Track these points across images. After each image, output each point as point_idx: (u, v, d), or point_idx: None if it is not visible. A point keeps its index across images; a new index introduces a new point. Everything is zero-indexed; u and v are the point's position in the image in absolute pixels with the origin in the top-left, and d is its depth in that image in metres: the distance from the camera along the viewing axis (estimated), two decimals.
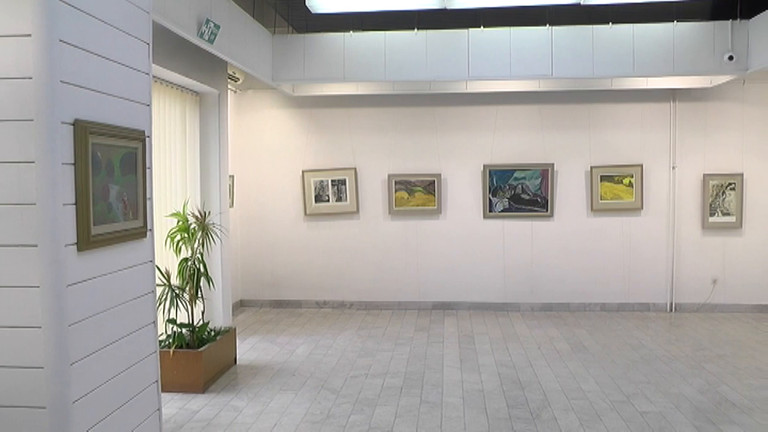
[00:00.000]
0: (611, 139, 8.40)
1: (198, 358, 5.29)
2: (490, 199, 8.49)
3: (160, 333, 5.25)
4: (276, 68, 7.57)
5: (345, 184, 8.63)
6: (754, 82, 8.14)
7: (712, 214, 8.28)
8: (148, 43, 3.19)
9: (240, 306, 8.72)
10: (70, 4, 2.53)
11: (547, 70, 7.26)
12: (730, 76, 7.47)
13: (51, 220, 2.45)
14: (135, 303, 3.07)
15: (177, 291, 5.27)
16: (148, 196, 3.17)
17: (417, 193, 8.56)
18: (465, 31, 7.33)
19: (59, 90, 2.46)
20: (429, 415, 4.80)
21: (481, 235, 8.58)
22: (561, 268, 8.51)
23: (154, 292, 3.29)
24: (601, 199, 8.38)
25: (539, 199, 8.44)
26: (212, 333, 5.78)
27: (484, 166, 8.47)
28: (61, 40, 2.47)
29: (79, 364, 2.58)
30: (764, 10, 6.81)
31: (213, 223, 5.85)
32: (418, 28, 7.36)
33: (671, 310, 8.40)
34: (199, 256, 5.55)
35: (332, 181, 8.63)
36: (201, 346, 5.43)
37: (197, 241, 5.56)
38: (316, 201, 8.65)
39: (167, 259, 5.66)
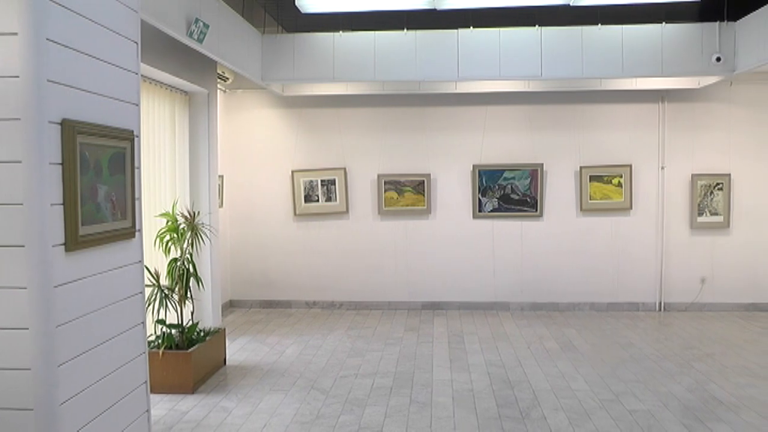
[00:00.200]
0: (600, 140, 8.44)
1: (187, 359, 5.27)
2: (479, 199, 8.50)
3: (149, 334, 5.22)
4: (265, 68, 7.56)
5: (334, 184, 8.62)
6: (741, 83, 8.20)
7: (700, 214, 8.33)
8: (136, 42, 3.17)
9: (229, 306, 8.69)
10: (57, 3, 2.52)
11: (536, 70, 7.29)
12: (718, 77, 7.53)
13: (38, 221, 2.43)
14: (124, 304, 3.05)
15: (166, 291, 5.24)
16: (136, 196, 3.15)
17: (406, 193, 8.56)
18: (454, 31, 7.34)
19: (46, 89, 2.44)
20: (419, 414, 4.80)
21: (470, 235, 8.59)
22: (550, 268, 8.54)
23: (143, 292, 3.28)
24: (590, 199, 8.41)
25: (529, 199, 8.47)
26: (202, 333, 5.76)
27: (473, 166, 8.49)
28: (48, 39, 2.45)
29: (66, 366, 2.56)
30: (751, 12, 6.86)
31: (202, 223, 5.83)
32: (407, 29, 7.36)
33: (660, 309, 8.45)
34: (189, 256, 5.53)
35: (322, 181, 8.62)
36: (190, 347, 5.40)
37: (186, 241, 5.54)
38: (305, 201, 8.64)
39: (156, 259, 5.63)
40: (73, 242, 2.60)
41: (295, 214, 8.68)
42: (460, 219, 8.60)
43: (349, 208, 8.68)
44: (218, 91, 7.59)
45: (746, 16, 6.96)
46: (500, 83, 8.00)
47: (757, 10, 6.76)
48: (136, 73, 3.17)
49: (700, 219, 8.34)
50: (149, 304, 5.02)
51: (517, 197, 8.47)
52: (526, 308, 8.55)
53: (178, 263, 5.47)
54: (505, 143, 8.50)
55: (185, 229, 5.54)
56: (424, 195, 8.54)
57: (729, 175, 8.28)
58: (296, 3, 6.43)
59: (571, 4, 6.45)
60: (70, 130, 2.56)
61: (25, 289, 2.44)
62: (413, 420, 4.69)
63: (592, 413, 4.80)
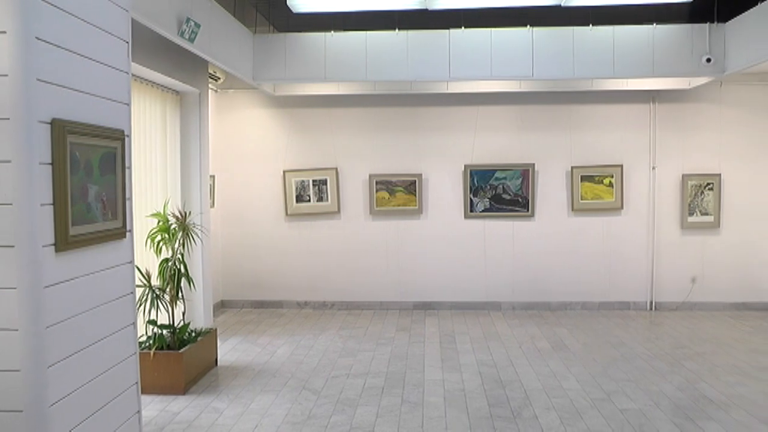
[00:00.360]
0: (592, 140, 8.47)
1: (179, 360, 5.25)
2: (471, 199, 8.51)
3: (140, 334, 5.21)
4: (257, 68, 7.54)
5: (326, 184, 8.61)
6: (730, 84, 8.25)
7: (690, 214, 8.37)
8: (127, 42, 3.16)
9: (221, 307, 8.67)
10: (46, 2, 2.50)
11: (527, 71, 7.30)
12: (708, 78, 7.57)
13: (28, 221, 2.42)
14: (114, 304, 3.04)
15: (157, 292, 5.22)
16: (127, 196, 3.14)
17: (398, 193, 8.56)
18: (446, 31, 7.35)
19: (36, 88, 2.43)
20: (410, 414, 4.80)
21: (462, 235, 8.60)
22: (542, 268, 8.56)
23: (133, 293, 3.26)
24: (581, 199, 8.44)
25: (520, 199, 8.48)
26: (193, 334, 5.74)
27: (465, 166, 8.50)
28: (37, 38, 2.44)
29: (56, 367, 2.55)
30: (740, 14, 6.91)
31: (194, 224, 5.81)
32: (399, 29, 7.36)
33: (651, 308, 8.49)
34: (180, 256, 5.51)
35: (313, 181, 8.61)
36: (182, 348, 5.39)
37: (178, 241, 5.52)
38: (297, 201, 8.63)
39: (148, 259, 5.61)
40: (63, 242, 2.59)
41: (286, 214, 8.67)
42: (452, 219, 8.61)
43: (341, 208, 8.67)
44: (209, 90, 7.57)
45: (735, 18, 7.01)
46: (492, 83, 8.02)
47: (746, 12, 6.81)
48: (127, 73, 3.16)
49: (690, 219, 8.38)
50: (140, 305, 5.00)
51: (508, 197, 8.49)
52: (517, 308, 8.57)
53: (170, 263, 5.45)
54: (496, 143, 8.51)
55: (176, 229, 5.52)
56: (415, 195, 8.55)
57: (719, 175, 8.32)
58: (288, 3, 6.41)
59: (562, 4, 6.47)
60: (60, 129, 2.55)
61: (14, 289, 2.42)
62: (405, 420, 4.69)
63: (584, 412, 4.81)
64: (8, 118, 2.39)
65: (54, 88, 2.55)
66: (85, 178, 2.75)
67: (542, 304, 8.56)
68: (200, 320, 6.70)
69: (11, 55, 2.37)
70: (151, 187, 6.16)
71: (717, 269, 8.43)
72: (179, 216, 5.59)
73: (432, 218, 8.63)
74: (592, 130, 8.47)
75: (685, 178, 8.34)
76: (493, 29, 7.31)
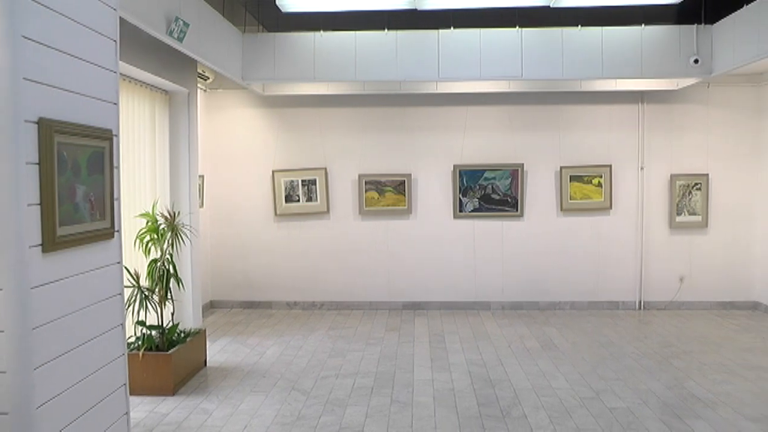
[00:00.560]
0: (580, 140, 8.50)
1: (168, 361, 5.23)
2: (460, 199, 8.53)
3: (129, 335, 5.18)
4: (246, 67, 7.52)
5: (315, 184, 8.60)
6: (717, 85, 8.31)
7: (678, 214, 8.43)
8: (115, 41, 3.14)
9: (210, 307, 8.63)
10: (33, 0, 2.48)
11: (516, 71, 7.32)
12: (696, 79, 7.63)
13: (14, 221, 2.40)
14: (102, 305, 3.02)
15: (146, 292, 5.19)
16: (115, 196, 3.12)
17: (387, 193, 8.56)
18: (435, 31, 7.36)
19: (22, 87, 2.41)
20: (400, 414, 4.80)
21: (451, 235, 8.61)
22: (531, 268, 8.58)
23: (122, 293, 3.25)
24: (570, 199, 8.47)
25: (509, 199, 8.50)
26: (182, 335, 5.72)
27: (454, 166, 8.51)
28: (23, 36, 2.42)
29: (43, 369, 2.53)
30: (727, 15, 6.96)
31: (183, 224, 5.78)
32: (388, 29, 7.36)
33: (640, 307, 8.53)
34: (169, 256, 5.49)
35: (302, 181, 8.60)
36: (171, 348, 5.36)
37: (167, 241, 5.49)
38: (286, 201, 8.61)
39: (136, 260, 5.58)
40: (51, 243, 2.57)
41: (275, 214, 8.65)
42: (441, 219, 8.62)
43: (330, 208, 8.66)
44: (199, 90, 7.54)
45: (722, 20, 7.07)
46: (481, 84, 8.03)
47: (732, 14, 6.87)
48: (115, 72, 3.14)
49: (678, 219, 8.43)
50: (129, 306, 4.98)
51: (497, 197, 8.51)
52: (506, 308, 8.59)
53: (158, 264, 5.42)
54: (485, 143, 8.53)
55: (165, 229, 5.50)
56: (404, 195, 8.55)
57: (707, 175, 8.38)
58: (277, 2, 6.40)
59: (551, 5, 6.49)
60: (47, 129, 2.53)
61: (0, 290, 2.40)
62: (394, 420, 4.69)
63: (573, 411, 4.83)
64: None
65: (41, 88, 2.52)
66: (73, 178, 2.73)
67: (531, 303, 8.59)
68: (189, 321, 6.68)
69: None
70: (140, 187, 6.13)
71: (705, 269, 8.49)
72: (168, 216, 5.56)
73: (421, 218, 8.64)
74: (581, 130, 8.51)
75: (674, 178, 8.39)
76: (482, 29, 7.32)
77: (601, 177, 8.44)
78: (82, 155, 2.80)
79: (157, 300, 5.38)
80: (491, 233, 8.59)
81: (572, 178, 8.44)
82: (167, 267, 5.45)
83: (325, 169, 8.59)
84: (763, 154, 8.26)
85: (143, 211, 5.56)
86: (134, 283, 5.10)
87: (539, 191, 8.55)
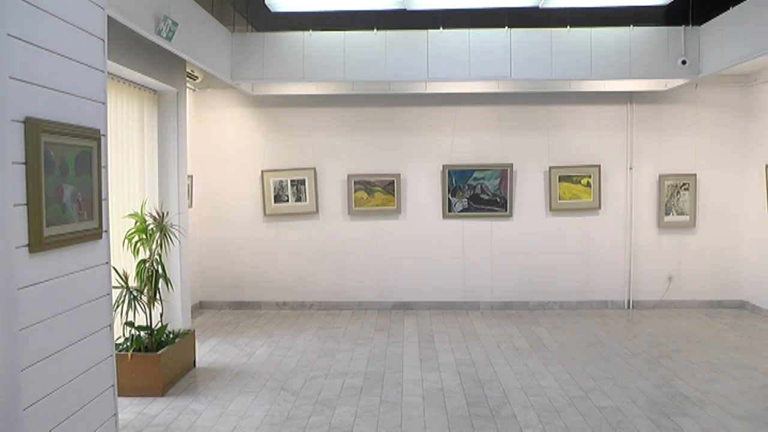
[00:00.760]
0: (569, 140, 8.53)
1: (156, 362, 5.20)
2: (449, 199, 8.54)
3: (117, 336, 5.15)
4: (235, 67, 7.50)
5: (304, 184, 8.58)
6: (705, 86, 8.37)
7: (667, 214, 8.47)
8: (103, 40, 3.12)
9: (199, 308, 8.60)
10: None
11: (505, 71, 7.34)
12: (684, 80, 7.67)
13: (0, 222, 2.37)
14: (90, 306, 3.00)
15: (135, 293, 5.17)
16: (103, 196, 3.10)
17: (376, 193, 8.56)
18: (424, 32, 7.36)
19: (8, 86, 2.39)
20: (389, 414, 4.80)
21: (440, 235, 8.62)
22: (520, 267, 8.61)
23: (110, 294, 3.23)
24: (559, 199, 8.50)
25: (498, 199, 8.52)
26: (171, 335, 5.69)
27: (443, 166, 8.52)
28: (9, 35, 2.39)
29: (30, 370, 2.51)
30: (715, 17, 7.01)
31: (171, 224, 5.76)
32: (377, 29, 7.36)
33: (629, 307, 8.58)
34: (158, 257, 5.46)
35: (291, 181, 8.58)
36: (159, 349, 5.34)
37: (155, 242, 5.46)
38: (275, 201, 8.59)
39: (125, 260, 5.55)
40: (38, 243, 2.55)
41: (264, 214, 8.63)
42: (430, 219, 8.62)
43: (319, 208, 8.65)
44: (187, 89, 7.51)
45: (710, 21, 7.12)
46: (470, 84, 8.03)
47: (719, 15, 6.92)
48: (103, 71, 3.12)
49: (667, 218, 8.48)
50: (117, 306, 4.95)
51: (486, 197, 8.52)
52: (496, 307, 8.61)
53: (147, 264, 5.40)
54: (474, 143, 8.54)
55: (154, 229, 5.47)
56: (394, 195, 8.55)
57: (695, 175, 8.43)
58: (266, 2, 6.39)
59: (540, 6, 6.52)
60: (33, 128, 2.51)
61: None
62: (383, 420, 4.69)
63: (562, 410, 4.84)
64: None
65: (27, 87, 2.50)
66: (60, 177, 2.71)
67: (521, 303, 8.61)
68: (178, 322, 6.65)
69: None
70: (129, 187, 6.09)
71: (693, 268, 8.54)
72: (157, 216, 5.54)
73: (410, 218, 8.64)
74: (570, 130, 8.54)
75: (662, 178, 8.44)
76: (471, 30, 7.34)
77: (590, 177, 8.48)
78: (69, 155, 2.78)
79: (146, 301, 5.36)
80: (480, 233, 8.60)
81: (561, 178, 8.47)
82: (156, 267, 5.42)
83: (314, 169, 8.58)
84: (750, 154, 8.33)
85: (132, 212, 5.53)
86: (123, 283, 5.07)
87: (528, 191, 8.58)
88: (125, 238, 5.41)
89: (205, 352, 6.51)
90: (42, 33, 2.61)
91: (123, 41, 5.28)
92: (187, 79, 7.35)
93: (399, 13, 7.00)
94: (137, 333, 5.30)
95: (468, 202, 8.54)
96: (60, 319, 2.73)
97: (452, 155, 8.55)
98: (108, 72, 3.19)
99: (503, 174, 8.49)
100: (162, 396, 5.20)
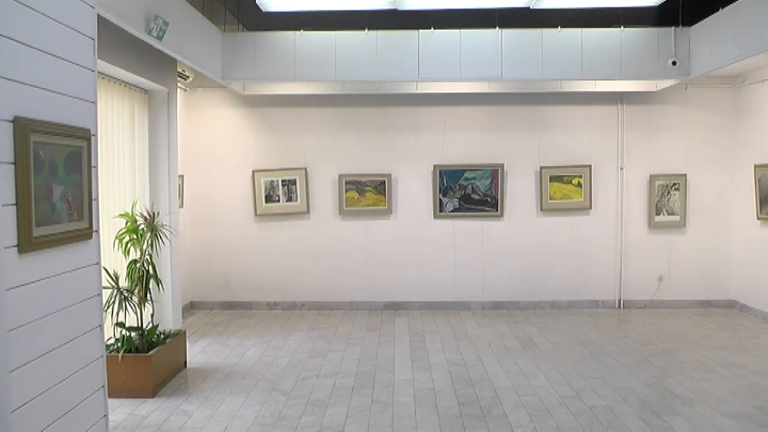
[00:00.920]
0: (560, 141, 8.56)
1: (147, 362, 5.18)
2: (440, 199, 8.54)
3: (108, 337, 5.13)
4: (226, 66, 7.47)
5: (295, 184, 8.57)
6: (695, 87, 8.42)
7: (657, 214, 8.52)
8: (93, 39, 3.10)
9: (190, 308, 8.57)
10: None
11: (496, 72, 7.36)
12: (674, 81, 7.71)
13: None
14: (80, 306, 2.99)
15: (125, 293, 5.14)
16: (94, 196, 3.09)
17: (368, 193, 8.55)
18: (415, 32, 7.37)
19: None
20: (380, 414, 4.80)
21: (431, 235, 8.63)
22: (511, 267, 8.62)
23: (100, 294, 3.21)
24: (550, 199, 8.52)
25: (489, 199, 8.54)
26: (162, 336, 5.67)
27: (434, 166, 8.53)
28: None
29: (19, 371, 2.49)
30: (705, 18, 7.05)
31: (162, 224, 5.74)
32: (368, 29, 7.36)
33: (619, 306, 8.61)
34: (148, 257, 5.44)
35: (282, 181, 8.56)
36: (150, 350, 5.31)
37: (146, 242, 5.44)
38: (266, 201, 8.57)
39: (116, 260, 5.52)
40: (27, 244, 2.53)
41: (255, 214, 8.61)
42: (421, 219, 8.63)
43: (310, 208, 8.64)
44: (178, 89, 7.48)
45: (700, 22, 7.16)
46: (461, 84, 8.05)
47: (709, 17, 6.96)
48: (93, 71, 3.10)
49: (657, 218, 8.52)
50: (108, 307, 4.92)
51: (477, 197, 8.54)
52: (487, 307, 8.62)
53: (138, 264, 5.37)
54: (466, 144, 8.56)
55: (145, 229, 5.45)
56: (385, 195, 8.55)
57: (685, 175, 8.48)
58: (257, 1, 6.38)
59: (531, 6, 6.53)
60: (22, 128, 2.49)
61: None
62: (375, 420, 4.69)
63: (553, 410, 4.86)
64: None
65: (16, 86, 2.48)
66: (50, 177, 2.69)
67: (511, 303, 8.63)
68: (169, 322, 6.62)
69: None
70: (119, 187, 6.07)
71: (683, 268, 8.58)
72: (147, 216, 5.51)
73: (401, 218, 8.64)
74: (561, 130, 8.56)
75: (652, 178, 8.48)
76: (462, 30, 7.35)
77: (580, 177, 8.51)
78: (59, 155, 2.76)
79: (137, 301, 5.33)
80: (471, 233, 8.62)
81: (552, 179, 8.50)
82: (147, 268, 5.40)
83: (306, 169, 8.57)
84: (739, 154, 8.38)
85: (122, 212, 5.51)
86: (113, 284, 5.04)
87: (519, 191, 8.59)
88: (116, 238, 5.39)
89: (196, 353, 6.49)
90: (31, 32, 2.59)
91: (113, 40, 5.25)
92: (178, 78, 7.32)
93: (390, 13, 7.00)
94: (128, 334, 5.28)
95: (459, 202, 8.55)
96: (50, 319, 2.72)
97: (443, 155, 8.56)
98: (98, 71, 3.17)
99: (494, 174, 8.50)
100: (153, 397, 5.18)
